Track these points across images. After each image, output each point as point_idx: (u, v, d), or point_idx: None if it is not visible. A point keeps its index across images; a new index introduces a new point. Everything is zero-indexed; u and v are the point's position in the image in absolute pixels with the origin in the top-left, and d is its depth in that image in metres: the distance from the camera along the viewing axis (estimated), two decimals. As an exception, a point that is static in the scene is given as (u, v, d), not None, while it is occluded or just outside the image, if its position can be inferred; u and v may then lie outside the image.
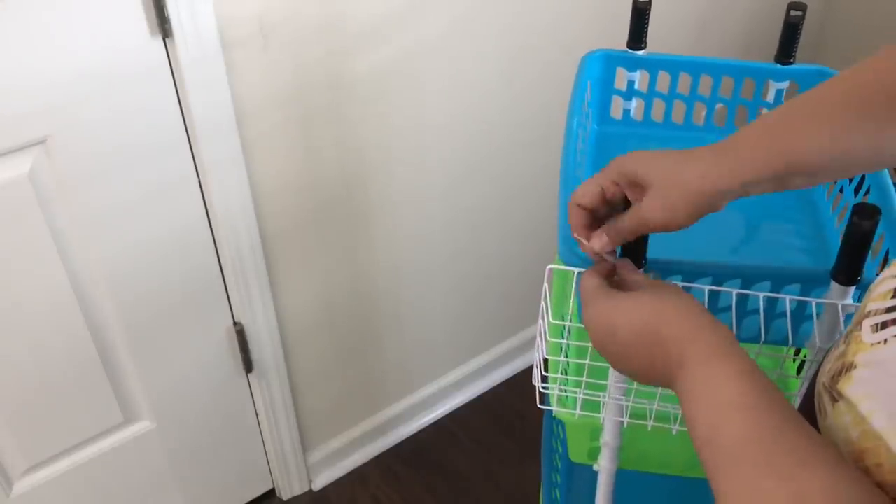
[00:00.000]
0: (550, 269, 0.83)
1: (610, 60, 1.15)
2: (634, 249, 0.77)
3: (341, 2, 1.29)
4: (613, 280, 0.72)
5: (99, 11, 1.09)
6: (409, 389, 1.89)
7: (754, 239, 1.03)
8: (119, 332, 1.35)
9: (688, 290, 0.81)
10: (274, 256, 1.46)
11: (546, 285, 0.84)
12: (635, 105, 1.18)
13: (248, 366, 1.55)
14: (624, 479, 1.02)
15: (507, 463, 1.86)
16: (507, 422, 1.95)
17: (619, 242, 0.72)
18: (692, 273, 0.82)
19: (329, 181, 1.45)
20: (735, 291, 0.80)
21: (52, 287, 1.24)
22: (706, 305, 0.81)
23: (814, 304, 0.79)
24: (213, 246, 1.38)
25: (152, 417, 1.49)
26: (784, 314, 0.81)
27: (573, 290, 0.82)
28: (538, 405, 0.91)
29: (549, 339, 0.85)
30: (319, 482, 1.83)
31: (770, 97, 1.14)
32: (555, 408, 0.92)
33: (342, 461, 1.85)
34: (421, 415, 1.94)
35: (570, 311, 0.84)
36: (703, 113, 1.16)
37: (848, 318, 0.79)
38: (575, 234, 0.75)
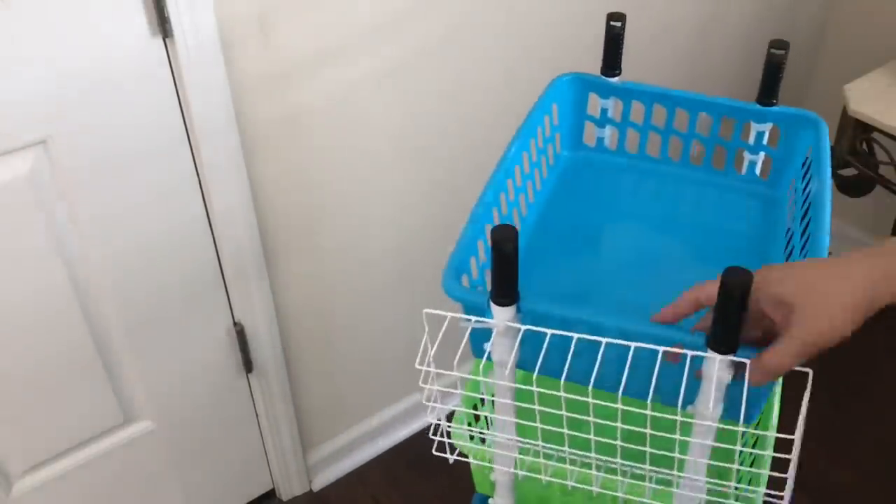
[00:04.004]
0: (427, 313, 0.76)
1: (582, 84, 1.08)
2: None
3: (342, 2, 1.29)
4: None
5: (99, 11, 1.09)
6: (409, 389, 1.89)
7: (707, 240, 1.00)
8: (119, 331, 1.35)
9: (562, 336, 0.74)
10: (274, 256, 1.46)
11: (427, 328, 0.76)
12: (609, 133, 1.10)
13: (248, 366, 1.55)
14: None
15: (507, 463, 1.86)
16: (507, 422, 1.95)
17: (780, 374, 0.69)
18: (566, 324, 0.75)
19: (329, 181, 1.45)
20: (605, 340, 0.72)
21: (51, 287, 1.24)
22: (584, 353, 0.74)
23: (689, 355, 0.71)
24: (213, 245, 1.38)
25: (152, 417, 1.49)
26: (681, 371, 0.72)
27: (465, 338, 0.76)
28: (434, 451, 0.86)
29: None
30: (319, 482, 1.83)
31: (751, 139, 1.05)
32: (450, 456, 0.87)
33: (342, 461, 1.85)
34: (421, 415, 1.94)
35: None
36: (680, 149, 1.08)
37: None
38: (666, 318, 0.73)
